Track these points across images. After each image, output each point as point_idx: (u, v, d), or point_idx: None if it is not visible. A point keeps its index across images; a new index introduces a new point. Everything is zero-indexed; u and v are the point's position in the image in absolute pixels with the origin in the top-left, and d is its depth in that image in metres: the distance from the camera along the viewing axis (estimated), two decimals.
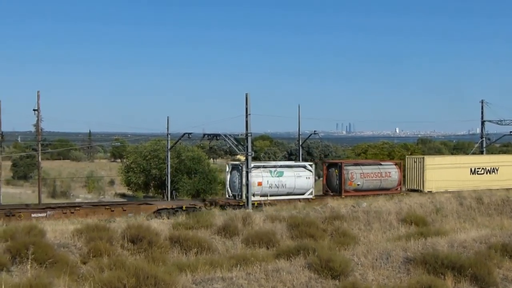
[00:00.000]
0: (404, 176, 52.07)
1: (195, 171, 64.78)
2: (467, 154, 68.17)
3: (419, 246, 21.48)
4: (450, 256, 19.31)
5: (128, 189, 70.96)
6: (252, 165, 43.84)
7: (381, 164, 52.16)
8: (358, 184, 48.85)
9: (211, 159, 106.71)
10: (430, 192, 48.05)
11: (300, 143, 63.41)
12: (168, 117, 55.47)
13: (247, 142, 43.63)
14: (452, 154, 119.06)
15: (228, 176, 46.25)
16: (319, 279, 17.30)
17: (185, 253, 24.82)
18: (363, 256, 19.70)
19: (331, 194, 47.85)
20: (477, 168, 53.74)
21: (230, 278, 16.57)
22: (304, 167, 47.68)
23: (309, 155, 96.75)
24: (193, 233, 27.17)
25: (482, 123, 64.97)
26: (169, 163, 56.06)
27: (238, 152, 47.69)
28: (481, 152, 65.10)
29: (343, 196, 45.75)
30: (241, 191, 43.79)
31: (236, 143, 46.12)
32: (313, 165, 48.90)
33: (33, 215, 38.25)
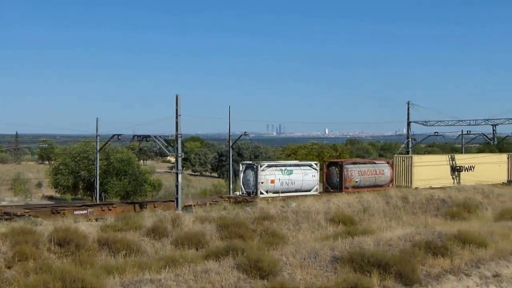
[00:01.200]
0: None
1: (124, 173, 64.10)
2: (394, 154, 69.68)
3: (346, 245, 21.83)
4: (376, 254, 19.72)
5: (56, 191, 69.66)
6: (266, 164, 48.46)
7: (375, 163, 56.43)
8: (356, 181, 52.34)
9: (141, 160, 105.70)
10: (417, 188, 51.09)
11: (231, 144, 63.56)
12: (97, 118, 54.75)
13: (177, 143, 43.52)
14: (380, 155, 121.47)
15: (242, 175, 48.98)
16: (248, 279, 17.41)
17: (114, 256, 24.51)
18: (292, 256, 19.91)
19: (331, 190, 50.75)
20: (457, 166, 58.35)
21: (159, 280, 16.53)
22: (310, 166, 51.19)
23: (239, 156, 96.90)
24: (121, 235, 26.86)
25: (408, 124, 66.49)
26: (97, 165, 55.34)
27: (168, 153, 47.63)
28: (407, 152, 66.57)
29: (343, 192, 48.72)
30: (256, 188, 46.93)
31: (166, 144, 45.96)
32: (318, 164, 52.10)
33: (75, 212, 40.82)
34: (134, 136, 48.41)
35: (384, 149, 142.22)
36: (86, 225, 29.49)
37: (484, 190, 48.63)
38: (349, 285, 17.35)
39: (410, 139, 66.97)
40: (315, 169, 50.75)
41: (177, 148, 43.44)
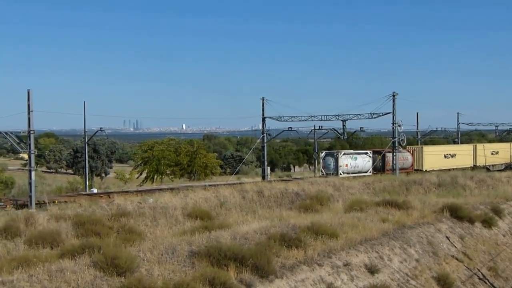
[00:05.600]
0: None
1: None
2: (250, 149, 71.92)
3: (203, 239, 22.05)
4: (233, 248, 20.06)
5: None
6: (342, 152, 64.37)
7: (401, 152, 70.66)
8: (392, 165, 66.64)
9: None
10: (426, 170, 69.89)
11: (86, 141, 62.33)
12: None
13: (29, 140, 42.26)
14: (237, 150, 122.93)
15: (322, 160, 64.94)
16: (105, 276, 17.25)
17: None
18: (149, 252, 19.90)
19: (375, 172, 65.64)
20: (446, 154, 77.41)
21: (11, 281, 16.04)
22: (366, 153, 67.55)
23: (95, 153, 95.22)
24: None
25: (263, 119, 67.76)
26: None
27: (20, 150, 46.11)
28: (263, 148, 67.91)
29: (386, 173, 64.42)
30: (336, 170, 62.56)
31: (18, 141, 44.44)
32: (372, 152, 68.58)
33: None
34: None
35: (240, 144, 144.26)
36: None
37: (335, 183, 50.46)
38: (206, 279, 17.59)
39: (265, 134, 68.30)
40: (370, 156, 66.78)
41: (29, 144, 42.22)
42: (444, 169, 69.81)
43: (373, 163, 67.59)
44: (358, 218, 29.59)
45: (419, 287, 25.12)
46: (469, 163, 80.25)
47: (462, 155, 79.04)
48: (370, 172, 65.69)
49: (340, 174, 61.57)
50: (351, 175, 60.79)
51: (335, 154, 64.26)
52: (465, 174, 60.98)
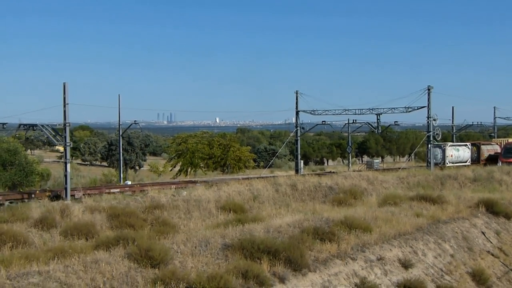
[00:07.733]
0: None
1: (11, 163, 62.02)
2: (283, 142, 71.49)
3: (237, 232, 22.07)
4: (266, 241, 20.05)
5: None
6: (448, 144, 70.85)
7: (491, 144, 79.29)
8: (485, 156, 74.46)
9: (29, 150, 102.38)
10: None
11: (121, 133, 62.79)
12: None
13: (65, 132, 42.66)
14: (270, 143, 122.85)
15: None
16: (139, 268, 17.36)
17: None
18: (183, 244, 19.98)
19: (472, 162, 72.11)
20: None
21: (47, 272, 16.22)
22: (466, 145, 73.59)
23: (129, 145, 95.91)
24: (7, 227, 26.12)
25: (297, 113, 67.54)
26: None
27: (56, 142, 46.55)
28: (296, 141, 67.72)
29: (481, 164, 70.16)
30: (443, 160, 68.53)
31: (54, 133, 44.85)
32: (470, 145, 74.45)
33: None
34: (20, 125, 46.86)
35: (273, 137, 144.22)
36: None
37: (369, 177, 50.22)
38: (239, 272, 17.61)
39: (298, 128, 68.10)
40: (469, 148, 72.73)
41: (65, 137, 42.59)
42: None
43: (471, 155, 74.15)
44: (392, 213, 29.41)
45: (454, 282, 24.88)
46: None
47: None
48: (469, 162, 71.48)
49: (447, 164, 67.58)
50: (455, 164, 67.65)
51: (442, 146, 69.71)
52: (501, 169, 60.29)
